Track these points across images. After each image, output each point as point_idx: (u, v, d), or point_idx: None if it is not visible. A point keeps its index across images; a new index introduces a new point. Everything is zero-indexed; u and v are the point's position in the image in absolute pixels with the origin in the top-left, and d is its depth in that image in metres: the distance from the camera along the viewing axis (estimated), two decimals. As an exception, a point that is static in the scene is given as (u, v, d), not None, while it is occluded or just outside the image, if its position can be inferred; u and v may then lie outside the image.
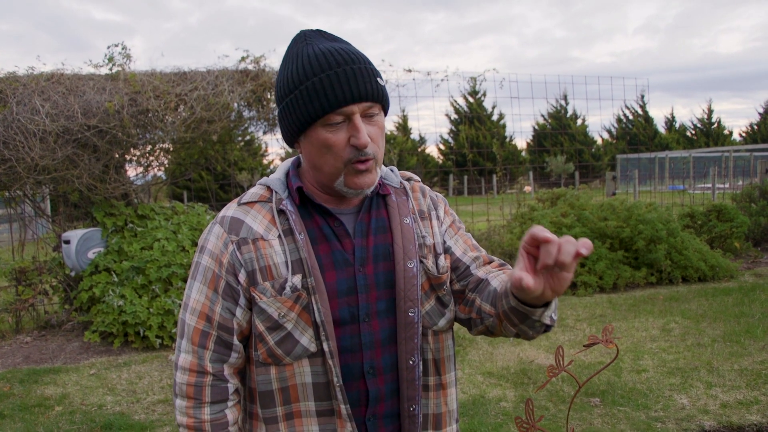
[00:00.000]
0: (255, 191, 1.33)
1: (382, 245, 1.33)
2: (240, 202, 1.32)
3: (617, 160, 29.06)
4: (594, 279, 7.41)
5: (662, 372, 4.64)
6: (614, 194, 11.92)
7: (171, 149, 7.89)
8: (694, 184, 24.54)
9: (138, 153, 7.45)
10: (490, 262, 1.42)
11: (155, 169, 7.97)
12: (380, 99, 1.24)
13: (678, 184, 25.66)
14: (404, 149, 30.79)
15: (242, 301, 1.28)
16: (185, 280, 6.14)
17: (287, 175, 1.36)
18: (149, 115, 6.32)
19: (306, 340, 1.26)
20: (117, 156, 6.88)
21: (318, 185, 1.32)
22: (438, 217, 1.43)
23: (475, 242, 1.48)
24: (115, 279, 6.08)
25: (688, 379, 4.47)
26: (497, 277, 1.34)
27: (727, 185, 22.77)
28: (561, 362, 1.52)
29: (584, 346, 1.56)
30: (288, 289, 1.25)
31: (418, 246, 1.35)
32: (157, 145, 7.41)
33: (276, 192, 1.31)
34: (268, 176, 1.39)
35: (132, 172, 7.87)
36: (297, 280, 1.25)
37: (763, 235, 11.02)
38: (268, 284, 1.25)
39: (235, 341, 1.30)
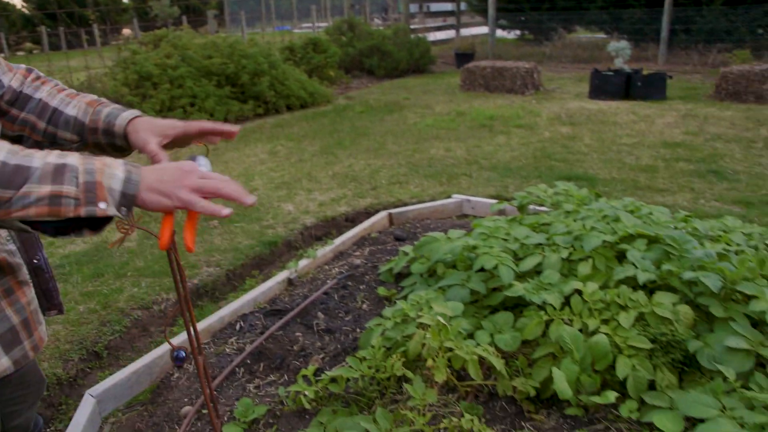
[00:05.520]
0: None
1: None
2: None
3: (225, 2, 28.74)
4: (205, 116, 7.57)
5: (271, 187, 5.15)
6: (217, 33, 11.97)
7: None
8: (299, 24, 25.83)
9: None
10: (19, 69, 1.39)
11: None
12: None
13: (285, 25, 26.68)
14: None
15: None
16: None
17: None
18: None
19: None
20: None
21: None
22: None
23: None
24: None
25: (293, 190, 5.06)
26: (70, 105, 1.34)
27: (325, 24, 24.51)
28: (132, 220, 1.53)
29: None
30: None
31: None
32: None
33: None
34: None
35: None
36: None
37: (352, 63, 12.39)
38: None
39: None
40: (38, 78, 1.40)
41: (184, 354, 1.81)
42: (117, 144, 1.34)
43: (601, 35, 14.42)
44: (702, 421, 1.75)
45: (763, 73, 7.94)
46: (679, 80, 10.06)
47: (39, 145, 1.35)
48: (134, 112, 1.35)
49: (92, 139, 1.34)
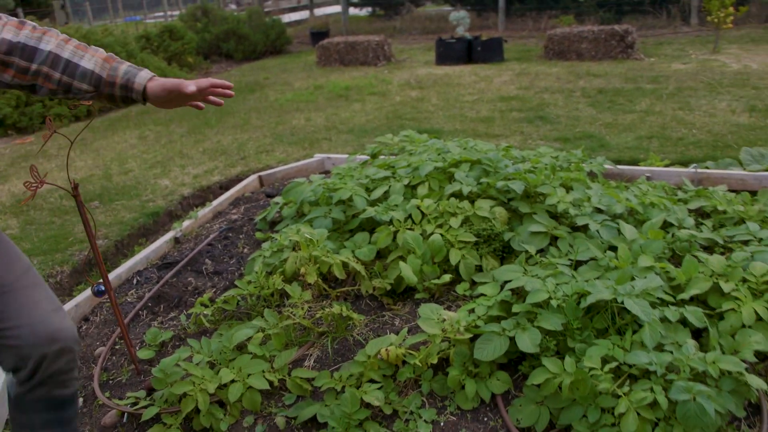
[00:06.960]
0: None
1: None
2: None
3: (64, -5, 27.24)
4: (66, 111, 7.54)
5: (145, 167, 5.39)
6: (67, 24, 11.66)
7: None
8: (150, 13, 25.05)
9: None
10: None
11: None
12: None
13: (135, 15, 25.75)
14: None
15: None
16: None
17: None
18: None
19: None
20: None
21: None
22: None
23: None
24: None
25: (167, 167, 5.33)
26: (85, 58, 1.54)
27: (178, 12, 23.97)
28: (37, 176, 1.83)
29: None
30: None
31: None
32: None
33: None
34: None
35: None
36: None
37: (210, 48, 12.48)
38: None
39: None
40: (36, 28, 1.54)
41: (102, 287, 2.19)
42: (131, 97, 1.62)
43: (447, 7, 15.36)
44: (510, 281, 2.36)
45: (580, 34, 9.02)
46: (516, 44, 11.07)
47: (53, 93, 1.56)
48: (149, 74, 1.62)
49: (107, 91, 1.58)
